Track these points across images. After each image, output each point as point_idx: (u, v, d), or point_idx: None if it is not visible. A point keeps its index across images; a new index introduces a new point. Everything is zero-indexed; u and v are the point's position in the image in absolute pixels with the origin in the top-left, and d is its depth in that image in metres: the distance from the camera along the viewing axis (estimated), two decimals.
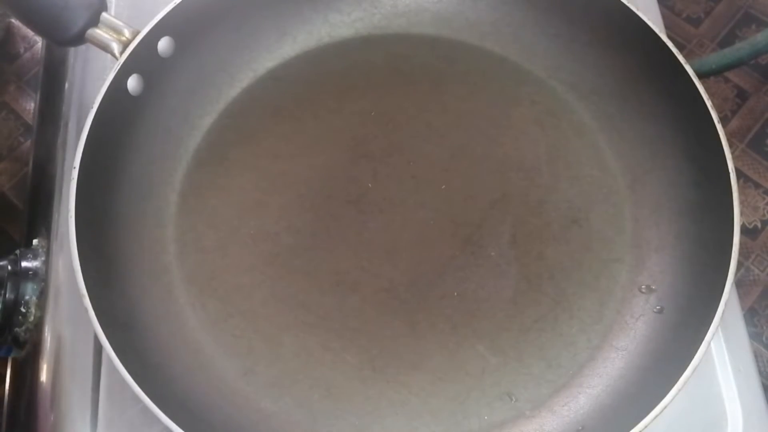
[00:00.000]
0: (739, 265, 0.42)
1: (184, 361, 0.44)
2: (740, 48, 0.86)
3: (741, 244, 0.42)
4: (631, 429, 0.38)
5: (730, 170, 0.44)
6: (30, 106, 1.08)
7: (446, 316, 0.46)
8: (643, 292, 0.47)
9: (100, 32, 0.46)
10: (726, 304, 0.40)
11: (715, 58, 0.87)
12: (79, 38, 0.46)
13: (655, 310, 0.46)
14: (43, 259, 0.48)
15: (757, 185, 1.07)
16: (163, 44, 0.48)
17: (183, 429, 0.37)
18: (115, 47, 0.46)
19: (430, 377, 0.44)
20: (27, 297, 0.47)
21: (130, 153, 0.48)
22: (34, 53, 1.12)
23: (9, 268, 0.47)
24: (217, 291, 0.46)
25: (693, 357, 0.39)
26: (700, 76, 0.47)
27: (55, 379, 0.45)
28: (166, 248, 0.48)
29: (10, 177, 1.03)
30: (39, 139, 0.57)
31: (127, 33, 0.46)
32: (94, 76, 0.53)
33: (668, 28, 0.54)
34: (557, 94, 0.53)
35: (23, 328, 0.47)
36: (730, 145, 0.44)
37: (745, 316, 0.49)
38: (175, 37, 0.48)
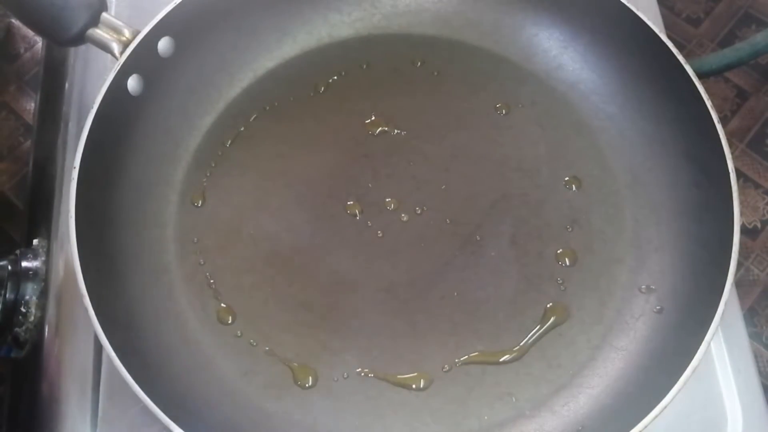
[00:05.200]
0: (739, 265, 0.42)
1: (184, 361, 0.44)
2: (740, 48, 0.86)
3: (741, 244, 0.42)
4: (631, 429, 0.38)
5: (730, 170, 0.44)
6: (30, 106, 1.08)
7: (446, 316, 0.46)
8: (643, 292, 0.47)
9: (100, 32, 0.46)
10: (726, 304, 0.40)
11: (714, 58, 0.87)
12: (80, 38, 0.46)
13: (655, 310, 0.46)
14: (43, 259, 0.48)
15: (757, 185, 1.07)
16: (163, 44, 0.48)
17: (183, 429, 0.37)
18: (115, 47, 0.46)
19: (430, 377, 0.44)
20: (27, 297, 0.47)
21: (130, 153, 0.48)
22: (35, 53, 1.12)
23: (9, 268, 0.47)
24: (217, 291, 0.46)
25: (693, 357, 0.39)
26: (700, 76, 0.47)
27: (55, 379, 0.45)
28: (166, 248, 0.48)
29: (10, 177, 1.03)
30: (39, 139, 0.57)
31: (127, 33, 0.46)
32: (95, 76, 0.53)
33: (668, 28, 0.54)
34: (557, 94, 0.53)
35: (23, 328, 0.47)
36: (730, 145, 0.44)
37: (744, 316, 0.49)
38: (175, 37, 0.48)
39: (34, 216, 0.53)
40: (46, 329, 0.47)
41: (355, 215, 0.49)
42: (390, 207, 0.49)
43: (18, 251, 0.49)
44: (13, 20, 1.10)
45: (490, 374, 0.45)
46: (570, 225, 0.49)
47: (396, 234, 0.49)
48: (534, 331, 0.46)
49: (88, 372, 0.45)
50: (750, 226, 1.05)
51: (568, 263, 0.48)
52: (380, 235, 0.49)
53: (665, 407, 0.38)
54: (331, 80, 0.54)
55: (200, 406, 0.42)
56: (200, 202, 0.49)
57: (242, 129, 0.52)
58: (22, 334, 0.47)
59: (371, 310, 0.46)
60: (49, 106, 0.56)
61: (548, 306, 0.46)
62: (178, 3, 0.47)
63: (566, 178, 0.50)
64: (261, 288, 0.47)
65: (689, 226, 0.47)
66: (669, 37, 0.48)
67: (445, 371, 0.45)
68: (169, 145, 0.50)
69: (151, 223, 0.48)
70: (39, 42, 1.09)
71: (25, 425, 0.47)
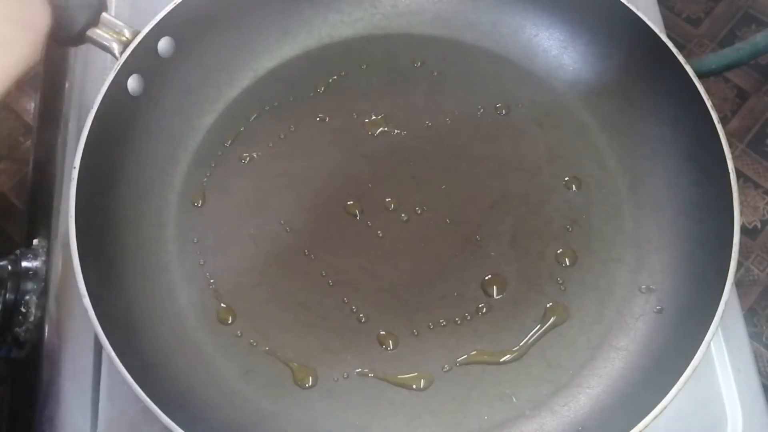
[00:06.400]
0: (739, 265, 0.42)
1: (184, 361, 0.44)
2: (740, 48, 0.86)
3: (741, 244, 0.42)
4: (631, 429, 0.38)
5: (730, 170, 0.44)
6: (30, 106, 1.07)
7: (446, 316, 0.46)
8: (643, 292, 0.47)
9: (100, 32, 0.46)
10: (726, 304, 0.40)
11: (714, 58, 0.87)
12: (80, 38, 0.46)
13: (655, 310, 0.46)
14: (43, 259, 0.48)
15: (757, 185, 1.07)
16: (163, 44, 0.48)
17: (183, 429, 0.37)
18: (116, 47, 0.46)
19: (431, 377, 0.44)
20: (27, 297, 0.47)
21: (130, 153, 0.48)
22: None
23: (9, 268, 0.47)
24: (217, 291, 0.46)
25: (693, 357, 0.39)
26: (700, 76, 0.47)
27: (55, 379, 0.45)
28: (166, 248, 0.48)
29: (10, 177, 1.03)
30: (39, 139, 0.58)
31: (127, 33, 0.46)
32: (95, 76, 0.53)
33: (668, 28, 0.54)
34: (557, 94, 0.53)
35: (23, 328, 0.47)
36: (730, 145, 0.44)
37: (744, 316, 0.49)
38: (175, 38, 0.48)
39: (34, 216, 0.53)
40: (46, 329, 0.47)
41: (355, 215, 0.49)
42: (390, 207, 0.49)
43: (18, 251, 0.49)
44: None
45: (490, 374, 0.45)
46: (570, 225, 0.49)
47: (396, 234, 0.49)
48: (534, 331, 0.46)
49: (88, 372, 0.45)
50: (750, 226, 1.04)
51: (568, 263, 0.48)
52: (380, 235, 0.49)
53: (665, 407, 0.38)
54: (331, 80, 0.54)
55: (200, 406, 0.42)
56: (200, 202, 0.49)
57: (242, 129, 0.52)
58: (22, 334, 0.47)
59: (371, 310, 0.46)
60: (49, 106, 0.56)
61: (548, 306, 0.46)
62: (178, 3, 0.47)
63: (566, 178, 0.50)
64: (261, 288, 0.47)
65: (689, 226, 0.47)
66: (669, 37, 0.48)
67: (445, 371, 0.45)
68: (169, 145, 0.50)
69: (151, 223, 0.48)
70: None
71: (25, 425, 0.47)
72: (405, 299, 0.47)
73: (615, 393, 0.44)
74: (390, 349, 0.45)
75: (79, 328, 0.46)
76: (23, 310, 0.47)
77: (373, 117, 0.52)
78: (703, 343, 0.39)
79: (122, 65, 0.45)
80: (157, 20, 0.46)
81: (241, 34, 0.52)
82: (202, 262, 0.47)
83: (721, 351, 0.47)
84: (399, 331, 0.46)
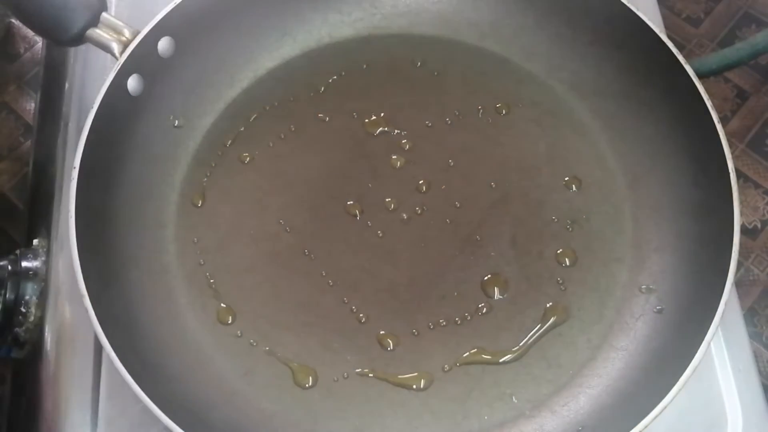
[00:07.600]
0: (739, 265, 0.42)
1: (184, 361, 0.44)
2: (740, 48, 0.86)
3: (741, 244, 0.42)
4: (631, 429, 0.38)
5: (731, 170, 0.44)
6: (30, 106, 1.08)
7: (446, 316, 0.46)
8: (643, 292, 0.47)
9: (100, 32, 0.46)
10: (726, 304, 0.40)
11: (715, 58, 0.87)
12: (80, 38, 0.46)
13: (655, 310, 0.46)
14: (43, 259, 0.48)
15: (757, 185, 1.07)
16: (163, 44, 0.48)
17: (183, 429, 0.37)
18: (115, 47, 0.46)
19: (431, 377, 0.44)
20: (27, 297, 0.47)
21: (130, 153, 0.48)
22: (35, 53, 1.11)
23: (9, 268, 0.47)
24: (217, 291, 0.46)
25: (693, 357, 0.39)
26: (700, 76, 0.47)
27: (55, 379, 0.45)
28: (166, 248, 0.48)
29: (10, 177, 1.03)
30: (39, 139, 0.58)
31: (127, 33, 0.46)
32: (95, 76, 0.53)
33: (668, 28, 0.54)
34: (557, 94, 0.53)
35: (23, 328, 0.47)
36: (730, 145, 0.44)
37: (745, 316, 0.49)
38: (175, 38, 0.48)
39: (34, 216, 0.53)
40: (46, 329, 0.47)
41: (355, 215, 0.49)
42: (390, 207, 0.49)
43: (18, 251, 0.49)
44: (13, 20, 1.10)
45: (490, 374, 0.45)
46: (570, 225, 0.49)
47: (396, 234, 0.49)
48: (534, 331, 0.46)
49: (88, 372, 0.45)
50: (750, 226, 1.04)
51: (568, 263, 0.48)
52: (380, 235, 0.49)
53: (665, 407, 0.38)
54: (331, 80, 0.54)
55: (200, 406, 0.42)
56: (200, 202, 0.49)
57: (242, 129, 0.52)
58: (22, 334, 0.47)
59: (371, 310, 0.46)
60: (49, 106, 0.56)
61: (548, 306, 0.46)
62: (178, 3, 0.47)
63: (566, 178, 0.50)
64: (261, 288, 0.47)
65: (689, 226, 0.47)
66: (669, 37, 0.48)
67: (445, 371, 0.45)
68: (169, 145, 0.50)
69: (151, 223, 0.48)
70: (39, 42, 1.09)
71: (25, 425, 0.47)
72: (405, 299, 0.47)
73: (615, 393, 0.44)
74: (390, 349, 0.45)
75: (79, 328, 0.46)
76: (23, 310, 0.47)
77: (373, 117, 0.52)
78: (703, 343, 0.39)
79: (122, 65, 0.45)
80: (157, 20, 0.46)
81: (241, 34, 0.52)
82: (202, 262, 0.47)
83: (721, 351, 0.47)
84: (399, 331, 0.46)
